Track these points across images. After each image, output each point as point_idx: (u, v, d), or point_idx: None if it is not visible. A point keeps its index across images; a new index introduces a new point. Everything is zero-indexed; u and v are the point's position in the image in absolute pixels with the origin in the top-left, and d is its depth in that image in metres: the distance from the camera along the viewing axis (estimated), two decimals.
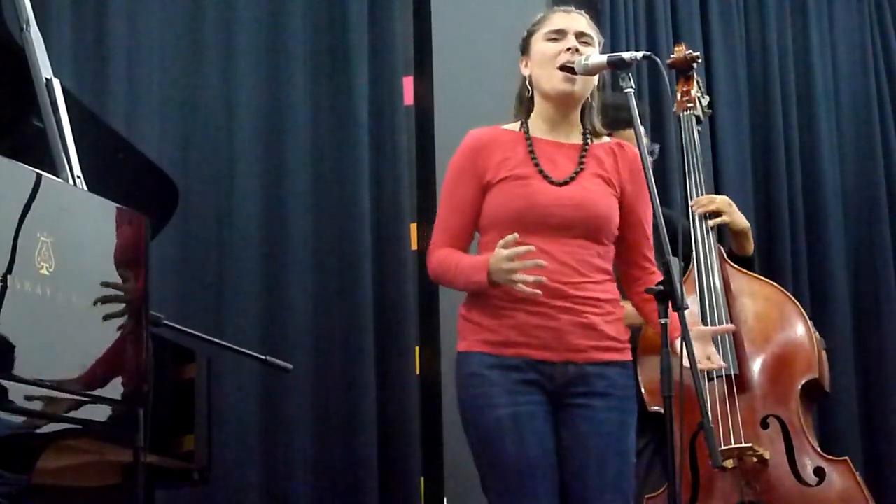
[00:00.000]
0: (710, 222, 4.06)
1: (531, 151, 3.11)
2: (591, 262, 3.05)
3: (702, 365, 2.94)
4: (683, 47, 4.34)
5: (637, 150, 3.05)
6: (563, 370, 3.00)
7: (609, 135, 3.24)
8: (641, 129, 2.96)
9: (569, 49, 3.08)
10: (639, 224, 3.17)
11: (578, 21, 3.16)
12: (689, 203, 4.12)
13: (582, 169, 3.11)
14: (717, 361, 3.04)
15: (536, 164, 3.09)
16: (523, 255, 2.89)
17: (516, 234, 2.91)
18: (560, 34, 3.12)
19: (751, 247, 4.15)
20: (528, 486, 2.94)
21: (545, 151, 3.12)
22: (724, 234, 4.20)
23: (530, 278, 2.89)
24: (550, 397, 3.01)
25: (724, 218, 4.07)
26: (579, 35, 3.11)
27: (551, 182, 3.07)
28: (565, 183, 3.08)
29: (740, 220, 4.11)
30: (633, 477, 3.08)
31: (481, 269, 2.96)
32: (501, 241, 2.91)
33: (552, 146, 3.14)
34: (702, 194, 4.09)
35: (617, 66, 3.00)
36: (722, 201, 4.12)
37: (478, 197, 3.11)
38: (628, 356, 3.12)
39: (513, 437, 2.95)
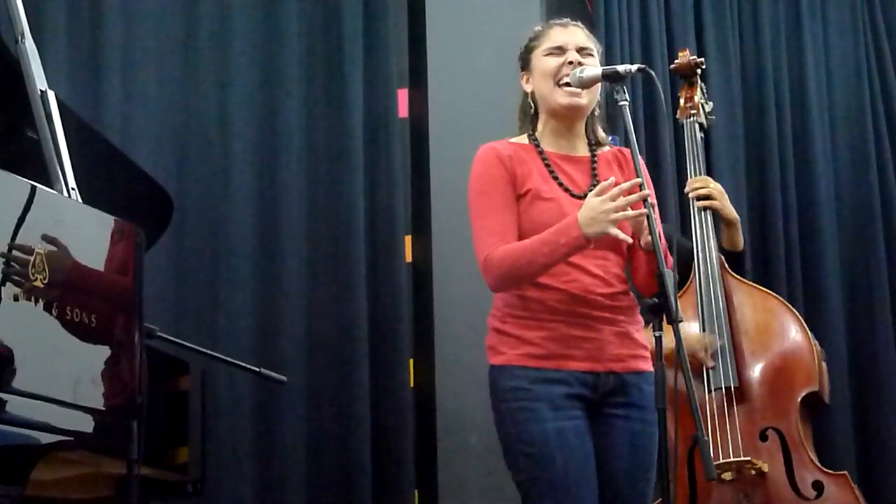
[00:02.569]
0: (700, 204, 4.03)
1: (548, 165, 3.11)
2: (616, 273, 3.06)
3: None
4: (687, 53, 4.32)
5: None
6: (605, 380, 3.01)
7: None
8: (635, 142, 2.96)
9: (570, 63, 3.08)
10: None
11: (577, 35, 3.16)
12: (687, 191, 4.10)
13: (596, 182, 3.10)
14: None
15: (556, 179, 3.09)
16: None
17: (613, 178, 2.87)
18: (560, 49, 3.12)
19: (741, 241, 4.13)
20: (577, 497, 2.93)
21: (559, 165, 3.12)
22: (717, 228, 4.17)
23: (635, 213, 2.81)
24: (590, 408, 3.01)
25: (716, 203, 4.04)
26: (580, 49, 3.12)
27: (572, 195, 3.07)
28: (584, 196, 3.05)
29: (731, 211, 4.09)
30: (651, 490, 3.10)
31: (571, 227, 2.86)
32: (598, 188, 2.84)
33: (564, 160, 3.14)
34: (703, 212, 4.07)
35: (612, 79, 3.01)
36: (716, 187, 4.10)
37: (515, 199, 3.06)
38: (651, 365, 3.11)
39: (561, 450, 2.94)
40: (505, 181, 3.07)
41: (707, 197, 4.04)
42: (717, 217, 4.11)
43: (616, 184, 2.86)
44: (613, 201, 2.82)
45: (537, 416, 2.95)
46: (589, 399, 3.00)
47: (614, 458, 3.02)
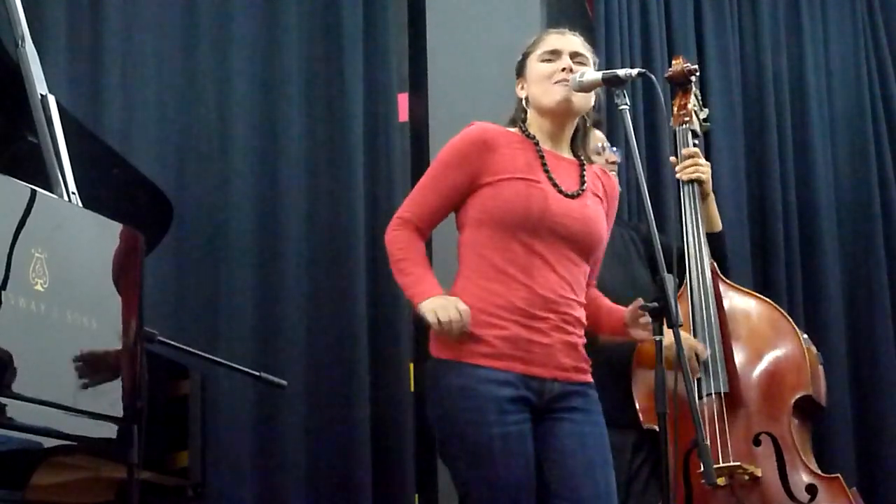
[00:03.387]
0: (687, 176, 4.01)
1: (542, 158, 3.10)
2: (579, 281, 3.07)
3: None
4: (681, 60, 4.31)
5: (615, 182, 3.26)
6: (550, 387, 3.00)
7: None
8: (635, 146, 2.97)
9: (563, 69, 3.09)
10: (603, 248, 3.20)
11: (573, 42, 3.17)
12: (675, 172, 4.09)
13: (585, 188, 3.12)
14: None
15: (547, 172, 3.08)
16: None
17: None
18: (555, 54, 3.13)
19: (718, 220, 4.11)
20: (515, 502, 2.92)
21: (551, 161, 3.12)
22: None
23: (457, 325, 2.91)
24: (534, 412, 3.00)
25: (703, 176, 4.02)
26: (574, 55, 3.13)
27: (560, 192, 3.07)
28: (573, 196, 3.08)
29: (710, 188, 4.07)
30: (615, 488, 3.08)
31: (426, 292, 2.97)
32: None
33: (555, 157, 3.14)
34: (696, 210, 4.06)
35: (612, 83, 3.02)
36: (706, 164, 4.08)
37: (466, 188, 3.07)
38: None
39: (502, 458, 2.91)
40: (466, 165, 3.07)
41: (695, 171, 4.02)
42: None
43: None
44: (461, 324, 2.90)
45: (481, 418, 2.92)
46: (534, 404, 2.98)
47: (566, 456, 2.99)
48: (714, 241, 4.06)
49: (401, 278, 3.08)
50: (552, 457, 3.00)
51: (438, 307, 2.92)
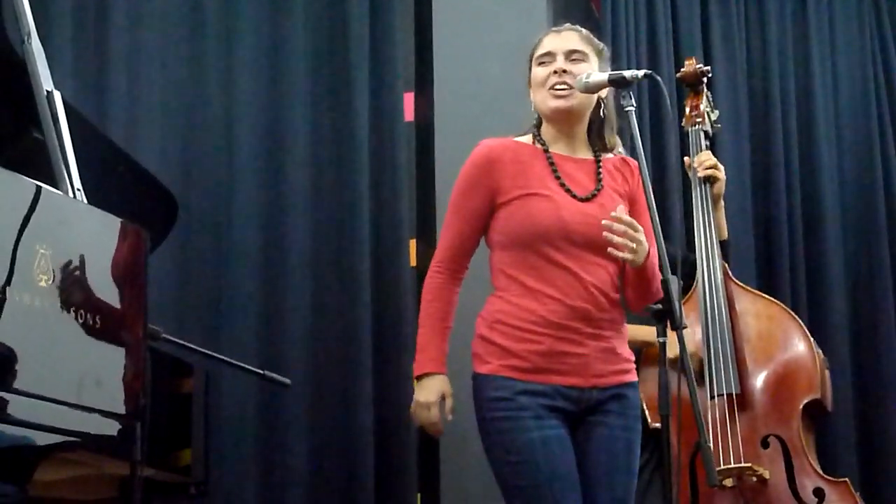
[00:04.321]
0: (705, 173, 4.01)
1: (552, 164, 3.10)
2: (610, 282, 3.04)
3: None
4: (694, 61, 4.31)
5: (635, 164, 3.14)
6: (588, 395, 3.01)
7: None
8: (641, 148, 2.96)
9: (555, 72, 3.08)
10: (647, 231, 3.07)
11: (569, 39, 3.15)
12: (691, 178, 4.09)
13: (602, 186, 3.11)
14: None
15: (559, 179, 3.08)
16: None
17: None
18: (549, 56, 3.12)
19: (726, 229, 4.11)
20: (562, 502, 2.94)
21: (563, 166, 3.11)
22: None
23: (429, 429, 3.09)
24: (571, 420, 3.01)
25: (715, 173, 4.02)
26: (569, 53, 3.11)
27: (574, 197, 3.06)
28: (587, 199, 3.07)
29: (722, 190, 4.08)
30: (633, 494, 3.09)
31: (425, 364, 3.09)
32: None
33: (568, 161, 3.13)
34: (707, 211, 4.06)
35: (618, 84, 3.01)
36: (721, 168, 4.09)
37: (487, 210, 3.10)
38: (636, 375, 3.14)
39: (545, 458, 2.93)
40: (481, 186, 3.09)
41: (712, 173, 4.03)
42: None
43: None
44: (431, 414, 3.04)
45: (521, 424, 2.95)
46: (571, 412, 3.00)
47: (592, 463, 3.01)
48: (721, 248, 4.06)
49: (418, 332, 3.16)
50: (581, 461, 3.01)
51: (419, 406, 3.08)
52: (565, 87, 3.07)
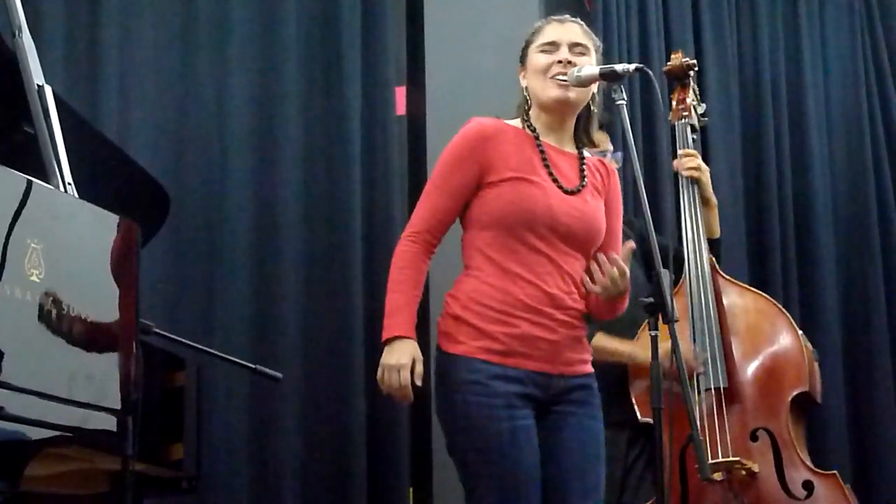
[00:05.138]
0: (687, 172, 4.02)
1: (542, 152, 3.11)
2: (580, 275, 3.06)
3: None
4: (680, 55, 4.32)
5: (614, 167, 3.26)
6: (556, 382, 3.03)
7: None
8: (632, 141, 2.97)
9: (560, 62, 3.08)
10: (614, 236, 3.18)
11: (572, 31, 3.16)
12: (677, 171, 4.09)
13: (585, 182, 3.13)
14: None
15: (548, 168, 3.09)
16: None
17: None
18: (553, 46, 3.12)
19: (717, 228, 4.11)
20: (522, 498, 2.94)
21: (552, 157, 3.12)
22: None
23: (396, 393, 3.01)
24: (538, 408, 3.02)
25: (700, 175, 4.03)
26: (573, 46, 3.12)
27: (561, 188, 3.08)
28: (573, 192, 3.09)
29: (712, 192, 4.08)
30: (603, 480, 3.10)
31: (395, 327, 3.03)
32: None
33: (556, 152, 3.14)
34: (695, 204, 4.06)
35: (609, 78, 3.02)
36: (703, 166, 4.09)
37: (472, 186, 3.09)
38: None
39: (511, 451, 2.94)
40: (471, 162, 3.08)
41: (693, 171, 4.03)
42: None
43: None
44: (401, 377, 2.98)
45: (492, 413, 2.94)
46: (539, 399, 3.01)
47: (563, 452, 3.02)
48: (711, 246, 4.07)
49: (387, 298, 3.12)
50: (552, 451, 3.02)
51: (389, 368, 2.99)
52: (566, 77, 3.08)
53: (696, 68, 4.27)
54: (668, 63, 4.31)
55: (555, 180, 3.07)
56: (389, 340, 3.03)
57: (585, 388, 3.08)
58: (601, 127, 3.53)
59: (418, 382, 3.01)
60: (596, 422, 3.09)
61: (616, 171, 3.28)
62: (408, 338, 3.02)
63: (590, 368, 3.12)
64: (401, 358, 2.99)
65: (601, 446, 3.09)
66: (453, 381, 3.01)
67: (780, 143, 5.78)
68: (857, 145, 5.88)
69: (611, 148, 3.94)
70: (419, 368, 3.00)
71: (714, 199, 4.10)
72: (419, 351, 3.03)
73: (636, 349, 3.77)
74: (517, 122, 3.18)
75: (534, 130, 3.15)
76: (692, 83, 4.22)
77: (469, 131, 3.13)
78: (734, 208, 5.46)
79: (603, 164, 3.25)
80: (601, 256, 2.95)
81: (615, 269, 2.93)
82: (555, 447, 3.02)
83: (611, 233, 3.17)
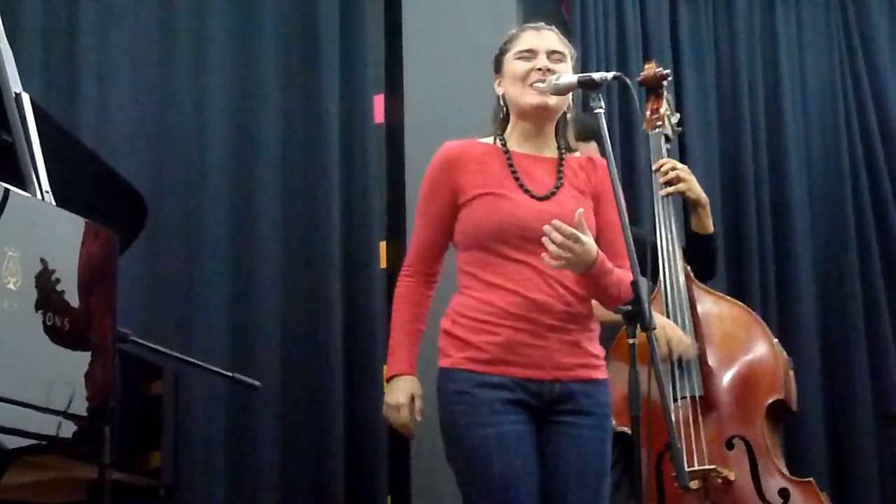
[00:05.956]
0: (667, 190, 4.02)
1: (510, 164, 3.11)
2: (571, 277, 3.02)
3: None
4: (654, 64, 4.33)
5: (603, 162, 3.11)
6: (550, 388, 3.01)
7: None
8: (610, 149, 2.96)
9: (539, 69, 3.09)
10: (613, 229, 3.08)
11: (549, 38, 3.17)
12: (654, 184, 4.08)
13: (561, 184, 3.12)
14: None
15: (516, 178, 3.09)
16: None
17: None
18: (531, 53, 3.13)
19: (711, 224, 4.09)
20: (511, 501, 2.93)
21: (523, 165, 3.12)
22: (686, 213, 4.15)
23: (399, 430, 3.14)
24: (535, 415, 3.01)
25: (682, 186, 4.03)
26: (550, 53, 3.12)
27: (532, 196, 3.08)
28: (545, 197, 3.08)
29: (700, 192, 4.07)
30: (608, 494, 3.09)
31: (395, 366, 3.12)
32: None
33: (529, 160, 3.14)
34: (670, 213, 4.07)
35: (587, 86, 3.01)
36: (683, 168, 4.09)
37: (451, 210, 3.12)
38: (605, 373, 3.14)
39: (499, 455, 2.94)
40: (443, 188, 3.13)
41: (675, 181, 4.02)
42: (686, 206, 4.10)
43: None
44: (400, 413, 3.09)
45: (477, 420, 2.96)
46: (532, 406, 3.01)
47: (562, 463, 3.02)
48: (707, 242, 4.07)
49: (391, 323, 3.20)
50: (550, 462, 3.02)
51: (388, 407, 3.11)
52: (544, 85, 3.08)
53: (670, 78, 4.28)
54: (642, 73, 4.32)
55: (525, 189, 3.08)
56: (390, 379, 3.12)
57: (589, 397, 3.05)
58: (587, 136, 3.54)
59: (418, 418, 3.09)
60: (599, 431, 3.07)
61: (605, 166, 3.08)
62: (406, 374, 3.10)
63: (597, 374, 3.09)
64: (398, 397, 3.08)
65: (605, 458, 3.07)
66: (443, 393, 3.05)
67: (757, 148, 5.79)
68: (834, 150, 5.90)
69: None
70: (418, 404, 3.09)
71: (704, 198, 4.08)
72: (417, 386, 3.10)
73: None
74: (490, 139, 3.19)
75: (503, 143, 3.16)
76: (665, 93, 4.23)
77: (436, 158, 3.18)
78: (711, 214, 5.46)
79: (591, 160, 3.22)
80: (545, 227, 2.86)
81: (560, 235, 2.84)
82: (553, 457, 3.02)
83: (608, 226, 3.10)
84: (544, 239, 2.86)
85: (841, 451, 5.57)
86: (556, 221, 2.86)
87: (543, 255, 2.88)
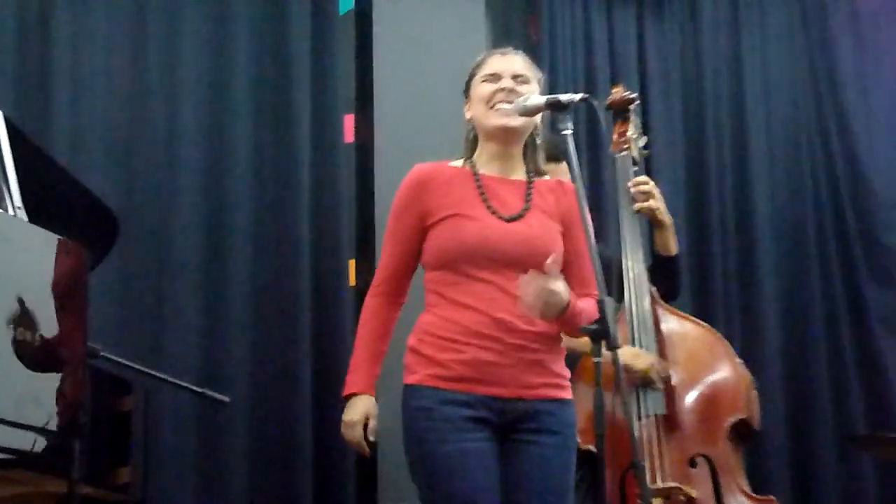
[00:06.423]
0: (638, 206, 4.05)
1: (479, 186, 3.14)
2: None
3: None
4: (621, 88, 4.36)
5: (571, 186, 3.10)
6: (513, 406, 3.02)
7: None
8: (578, 170, 2.99)
9: (503, 90, 3.12)
10: (582, 256, 3.10)
11: (514, 62, 3.20)
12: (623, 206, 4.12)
13: (529, 206, 3.14)
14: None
15: (485, 200, 3.11)
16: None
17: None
18: (495, 76, 3.16)
19: (675, 245, 4.12)
20: None
21: (491, 187, 3.14)
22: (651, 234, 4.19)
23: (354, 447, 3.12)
24: (498, 432, 3.03)
25: (653, 203, 4.05)
26: (515, 76, 3.15)
27: (500, 218, 3.10)
28: (513, 219, 3.10)
29: (667, 214, 4.10)
30: None
31: (353, 385, 3.13)
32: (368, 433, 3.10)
33: (498, 182, 3.16)
34: (636, 234, 4.09)
35: (555, 108, 3.02)
36: (654, 187, 4.12)
37: (418, 231, 3.14)
38: (571, 393, 3.16)
39: (460, 472, 2.95)
40: (412, 209, 3.15)
41: (649, 197, 4.05)
42: (651, 227, 4.14)
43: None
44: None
45: (439, 437, 2.98)
46: (495, 423, 3.02)
47: (524, 480, 3.02)
48: (670, 264, 4.10)
49: (356, 342, 3.21)
50: (511, 479, 3.03)
51: (344, 425, 3.11)
52: (509, 106, 3.10)
53: (637, 101, 4.31)
54: (610, 97, 4.35)
55: (493, 211, 3.10)
56: (348, 397, 3.12)
57: (553, 416, 3.06)
58: (557, 157, 3.56)
59: (371, 438, 3.09)
60: (563, 451, 3.08)
61: (574, 190, 3.06)
62: (364, 394, 3.11)
63: (562, 394, 3.10)
64: (353, 416, 3.09)
65: (568, 476, 3.09)
66: (407, 409, 3.06)
67: (722, 167, 5.83)
68: (798, 170, 5.96)
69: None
70: (372, 424, 3.09)
71: (669, 219, 4.12)
72: (373, 406, 3.11)
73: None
74: (460, 162, 3.21)
75: (473, 165, 3.19)
76: (633, 116, 4.26)
77: (406, 180, 3.20)
78: (676, 233, 5.50)
79: (561, 184, 3.23)
80: (522, 277, 2.91)
81: (538, 287, 2.89)
82: (515, 474, 3.03)
83: (577, 252, 3.13)
84: (519, 289, 2.90)
85: (803, 470, 5.61)
86: (530, 272, 2.89)
87: (519, 302, 2.92)
